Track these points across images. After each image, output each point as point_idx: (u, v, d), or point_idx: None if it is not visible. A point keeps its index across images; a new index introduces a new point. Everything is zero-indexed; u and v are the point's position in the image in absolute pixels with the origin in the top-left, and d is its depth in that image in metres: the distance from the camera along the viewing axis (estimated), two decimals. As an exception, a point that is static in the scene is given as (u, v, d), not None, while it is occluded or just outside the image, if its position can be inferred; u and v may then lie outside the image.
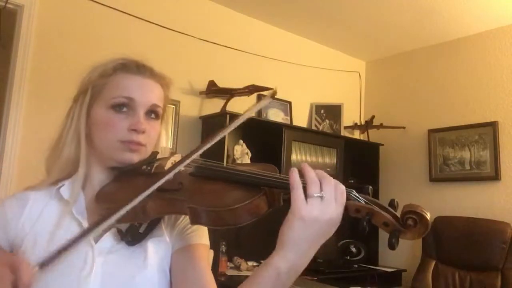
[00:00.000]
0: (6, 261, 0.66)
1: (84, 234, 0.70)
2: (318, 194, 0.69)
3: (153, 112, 0.89)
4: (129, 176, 0.86)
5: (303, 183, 0.70)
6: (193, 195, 0.76)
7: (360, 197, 0.72)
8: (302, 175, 0.71)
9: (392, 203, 0.73)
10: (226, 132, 0.80)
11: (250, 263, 2.91)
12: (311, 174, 0.70)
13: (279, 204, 0.75)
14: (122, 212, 0.69)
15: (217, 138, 0.78)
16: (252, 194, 0.72)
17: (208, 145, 0.77)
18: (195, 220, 0.74)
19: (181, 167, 0.76)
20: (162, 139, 0.96)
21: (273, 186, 0.74)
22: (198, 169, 0.81)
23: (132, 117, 0.85)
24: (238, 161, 3.04)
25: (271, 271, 0.69)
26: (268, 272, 0.70)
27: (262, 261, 2.77)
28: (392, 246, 0.69)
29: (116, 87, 0.86)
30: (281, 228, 0.70)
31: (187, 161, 0.77)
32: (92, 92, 0.88)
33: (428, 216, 0.70)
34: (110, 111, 0.85)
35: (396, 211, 0.72)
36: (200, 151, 0.77)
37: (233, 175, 0.77)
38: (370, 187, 0.75)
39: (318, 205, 0.68)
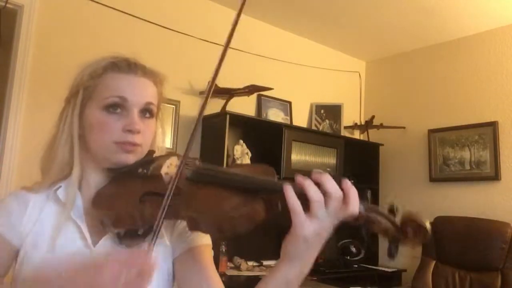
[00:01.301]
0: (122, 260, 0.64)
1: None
2: (323, 214, 0.67)
3: (147, 111, 0.87)
4: (125, 179, 0.84)
5: (302, 197, 0.67)
6: (190, 201, 0.75)
7: (360, 204, 0.70)
8: (300, 188, 0.67)
9: (392, 209, 0.71)
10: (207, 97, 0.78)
11: (250, 263, 2.90)
12: (312, 191, 0.66)
13: (277, 209, 0.73)
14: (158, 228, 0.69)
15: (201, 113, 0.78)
16: (249, 201, 0.71)
17: (197, 129, 0.78)
18: (193, 227, 0.74)
19: (181, 169, 0.75)
20: (159, 137, 0.94)
21: (271, 191, 0.72)
22: (195, 174, 0.79)
23: (126, 117, 0.83)
24: (238, 161, 3.04)
25: (281, 280, 0.71)
26: (277, 281, 0.72)
27: (262, 261, 2.78)
28: (391, 255, 0.69)
29: (108, 87, 0.84)
30: (285, 243, 0.70)
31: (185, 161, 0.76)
32: (84, 94, 0.85)
33: (428, 224, 0.69)
34: (103, 112, 0.83)
35: (395, 216, 0.71)
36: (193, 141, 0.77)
37: (230, 181, 0.75)
38: (369, 191, 0.75)
39: (321, 221, 0.67)
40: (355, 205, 0.67)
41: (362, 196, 0.71)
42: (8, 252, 0.84)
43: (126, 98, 0.83)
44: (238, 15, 0.79)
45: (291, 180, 0.69)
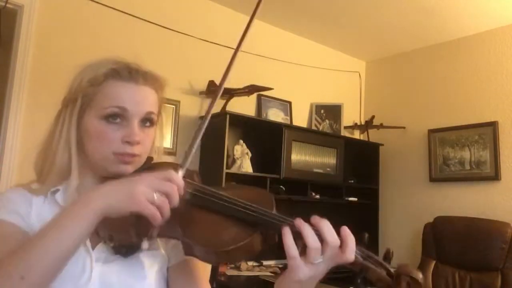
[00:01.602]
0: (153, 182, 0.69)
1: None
2: (319, 261, 0.68)
3: (148, 120, 0.85)
4: None
5: (300, 240, 0.68)
6: (188, 226, 0.74)
7: (357, 250, 0.72)
8: (298, 231, 0.68)
9: (387, 255, 0.74)
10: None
11: (250, 263, 2.90)
12: (311, 238, 0.67)
13: (274, 241, 0.73)
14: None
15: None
16: (248, 233, 0.71)
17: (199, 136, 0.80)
18: (188, 253, 0.74)
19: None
20: (156, 139, 0.92)
21: (270, 227, 0.71)
22: (194, 197, 0.77)
23: (125, 127, 0.81)
24: (238, 161, 3.04)
25: None
26: None
27: (262, 261, 2.77)
28: None
29: (107, 96, 0.81)
30: (279, 282, 0.71)
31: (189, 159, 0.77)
32: (82, 101, 0.83)
33: (421, 278, 0.72)
34: (102, 122, 0.81)
35: (390, 262, 0.74)
36: (194, 147, 0.79)
37: (230, 209, 0.74)
38: (367, 234, 0.77)
39: (317, 266, 0.68)
40: (351, 253, 0.69)
41: (359, 241, 0.73)
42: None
43: (126, 109, 0.81)
44: (252, 17, 0.79)
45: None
